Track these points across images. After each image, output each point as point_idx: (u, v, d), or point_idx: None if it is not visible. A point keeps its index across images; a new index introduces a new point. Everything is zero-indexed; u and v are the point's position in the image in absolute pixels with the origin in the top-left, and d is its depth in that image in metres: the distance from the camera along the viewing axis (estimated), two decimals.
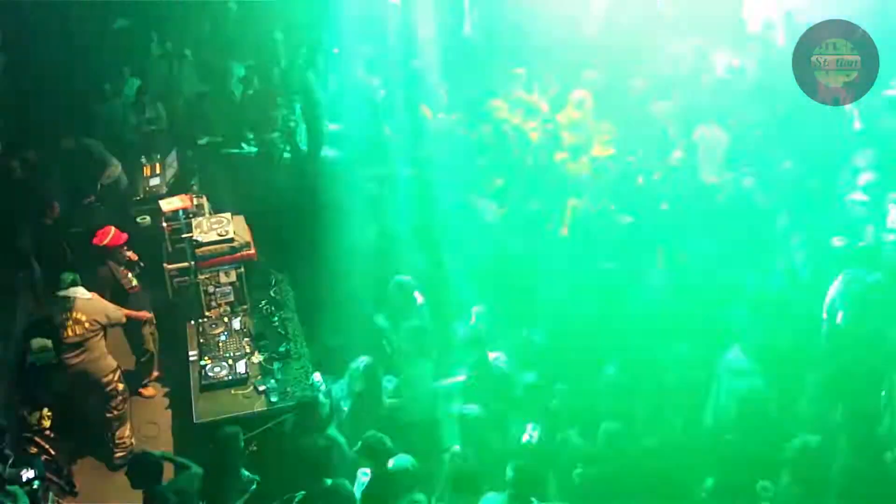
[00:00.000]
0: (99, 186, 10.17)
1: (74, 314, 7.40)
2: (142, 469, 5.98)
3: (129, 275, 8.17)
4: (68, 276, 7.60)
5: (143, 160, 10.35)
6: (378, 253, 8.70)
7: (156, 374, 8.67)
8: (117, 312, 7.72)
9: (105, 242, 7.98)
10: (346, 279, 8.43)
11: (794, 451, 6.16)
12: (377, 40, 11.70)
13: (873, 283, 7.49)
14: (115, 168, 10.30)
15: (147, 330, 8.43)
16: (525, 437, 6.62)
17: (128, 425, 7.85)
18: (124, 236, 8.13)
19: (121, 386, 7.72)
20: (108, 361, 7.63)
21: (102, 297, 7.75)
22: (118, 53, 12.13)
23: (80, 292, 7.52)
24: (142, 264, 8.41)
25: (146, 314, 8.29)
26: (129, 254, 8.26)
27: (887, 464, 6.41)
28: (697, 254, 8.42)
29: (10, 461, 6.32)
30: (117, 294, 7.99)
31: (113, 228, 8.12)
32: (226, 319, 7.98)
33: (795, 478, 6.10)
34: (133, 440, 7.87)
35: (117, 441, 7.78)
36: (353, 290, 8.38)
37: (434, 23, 11.62)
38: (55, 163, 10.20)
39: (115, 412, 7.70)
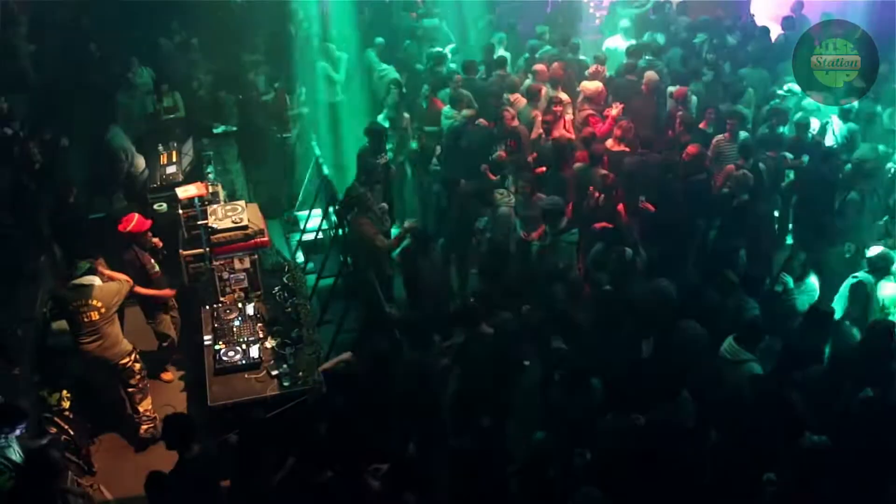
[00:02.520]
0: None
1: (90, 301, 7.46)
2: (173, 426, 5.91)
3: (153, 260, 8.31)
4: (84, 265, 7.71)
5: (160, 148, 10.54)
6: None
7: (173, 356, 8.80)
8: (124, 284, 7.75)
9: (129, 228, 8.14)
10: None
11: None
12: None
13: None
14: (141, 161, 10.60)
15: (168, 315, 8.57)
16: None
17: (149, 399, 7.94)
18: (148, 222, 8.31)
19: (137, 366, 7.77)
20: (123, 346, 7.68)
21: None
22: (135, 43, 12.33)
23: (95, 280, 7.61)
24: (164, 251, 8.57)
25: (169, 292, 8.46)
26: (156, 240, 8.44)
27: None
28: None
29: None
30: (141, 279, 8.12)
31: (136, 215, 8.29)
32: (240, 305, 8.06)
33: None
34: (157, 414, 7.93)
35: (143, 414, 7.86)
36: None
37: None
38: (78, 151, 10.44)
39: (135, 388, 7.80)
